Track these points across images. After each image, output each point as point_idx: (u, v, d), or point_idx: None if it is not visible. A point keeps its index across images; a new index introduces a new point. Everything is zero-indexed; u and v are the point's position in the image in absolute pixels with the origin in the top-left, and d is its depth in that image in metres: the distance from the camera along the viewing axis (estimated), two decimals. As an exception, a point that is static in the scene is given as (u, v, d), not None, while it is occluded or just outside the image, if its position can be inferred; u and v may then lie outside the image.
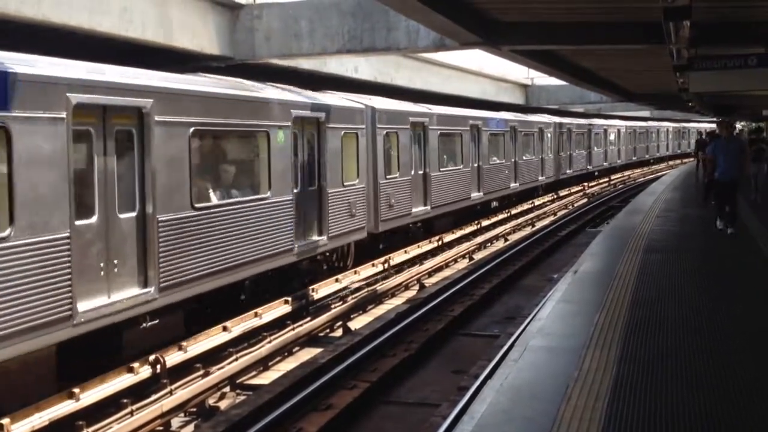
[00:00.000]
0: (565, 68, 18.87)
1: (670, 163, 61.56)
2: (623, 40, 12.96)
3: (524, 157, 30.03)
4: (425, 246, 19.63)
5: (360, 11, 14.49)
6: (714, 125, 68.01)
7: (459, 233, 22.29)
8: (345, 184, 15.47)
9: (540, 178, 32.51)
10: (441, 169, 21.20)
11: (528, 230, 24.46)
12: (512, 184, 28.37)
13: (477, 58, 26.99)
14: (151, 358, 9.57)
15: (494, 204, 27.88)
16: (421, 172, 19.95)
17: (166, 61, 13.56)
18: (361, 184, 16.27)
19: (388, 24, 14.43)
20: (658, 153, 61.77)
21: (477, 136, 24.54)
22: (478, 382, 8.77)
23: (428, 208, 20.15)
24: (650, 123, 57.97)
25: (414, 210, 19.27)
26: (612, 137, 46.91)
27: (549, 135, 34.04)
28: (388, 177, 17.84)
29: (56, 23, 10.94)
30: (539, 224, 25.84)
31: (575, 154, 38.34)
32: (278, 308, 12.64)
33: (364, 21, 14.50)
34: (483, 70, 29.44)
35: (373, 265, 16.54)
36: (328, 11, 14.57)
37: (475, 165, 24.34)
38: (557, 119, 35.73)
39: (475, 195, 24.34)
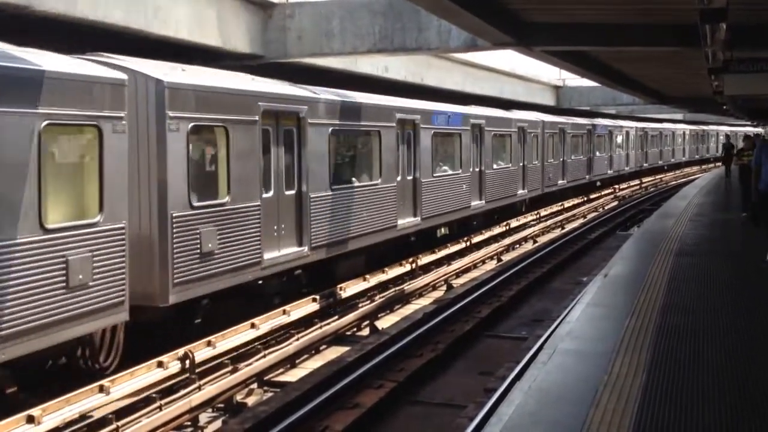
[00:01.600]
0: (597, 70, 18.73)
1: (686, 170, 56.44)
2: (657, 42, 12.84)
3: (498, 165, 23.43)
4: (454, 247, 19.58)
5: (391, 11, 14.51)
6: (730, 129, 66.30)
7: (487, 234, 22.21)
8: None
9: (520, 191, 25.41)
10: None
11: (557, 232, 24.29)
12: (474, 202, 21.47)
13: (508, 59, 26.93)
14: (180, 353, 9.66)
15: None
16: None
17: (199, 59, 13.68)
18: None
19: (420, 24, 14.42)
20: (673, 158, 54.97)
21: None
22: (505, 384, 8.74)
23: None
24: (665, 125, 52.41)
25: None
26: (619, 140, 40.69)
27: (536, 137, 27.13)
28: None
29: (92, 20, 11.09)
30: (569, 227, 25.66)
31: (570, 160, 31.80)
32: (306, 306, 12.70)
33: (395, 21, 14.52)
34: (515, 71, 29.32)
35: (401, 264, 16.54)
36: (359, 11, 14.60)
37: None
38: (547, 117, 29.27)
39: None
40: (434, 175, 18.81)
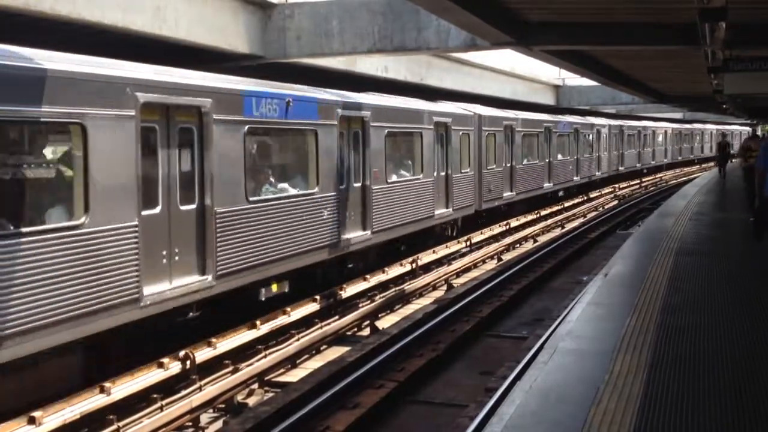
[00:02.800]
0: (596, 69, 18.73)
1: (666, 174, 50.21)
2: (657, 41, 12.84)
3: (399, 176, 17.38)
4: (453, 246, 19.58)
5: (390, 11, 14.51)
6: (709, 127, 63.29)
7: (488, 233, 22.20)
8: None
9: (437, 212, 18.55)
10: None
11: (557, 232, 24.29)
12: (352, 234, 14.99)
13: (508, 59, 26.91)
14: (181, 354, 9.65)
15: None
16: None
17: (199, 60, 13.68)
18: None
19: (419, 23, 14.43)
20: (653, 161, 48.34)
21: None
22: (506, 384, 8.74)
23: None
24: (644, 123, 46.68)
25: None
26: (589, 139, 34.16)
27: (467, 136, 20.71)
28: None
29: (90, 21, 11.08)
30: (569, 226, 25.66)
31: (522, 166, 25.36)
32: (306, 306, 12.68)
33: (394, 20, 14.53)
34: (515, 71, 29.32)
35: (401, 264, 16.54)
36: (359, 11, 14.60)
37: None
38: (486, 111, 22.77)
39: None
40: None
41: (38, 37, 10.43)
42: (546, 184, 28.33)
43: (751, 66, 13.25)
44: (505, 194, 23.85)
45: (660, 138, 50.48)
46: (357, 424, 8.32)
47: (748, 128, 68.12)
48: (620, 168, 40.78)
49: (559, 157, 30.08)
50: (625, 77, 22.06)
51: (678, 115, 52.12)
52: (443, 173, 19.23)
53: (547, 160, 28.27)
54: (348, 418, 8.34)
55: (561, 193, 31.19)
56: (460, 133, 20.28)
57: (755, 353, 6.86)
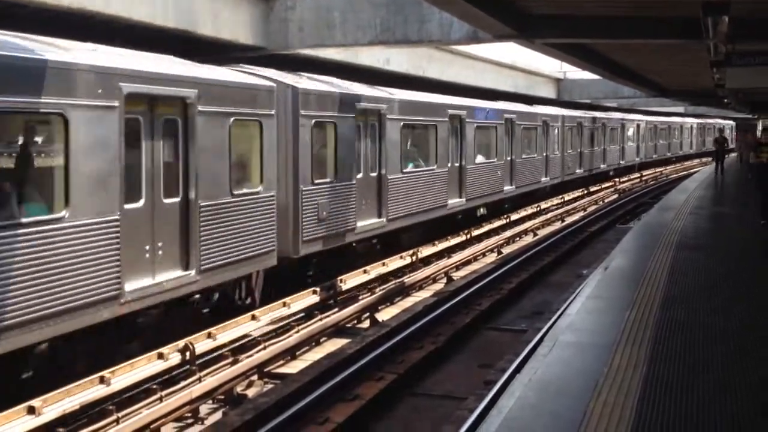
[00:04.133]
0: (598, 62, 18.70)
1: (643, 175, 43.80)
2: (659, 34, 12.80)
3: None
4: (454, 239, 19.59)
5: (393, 3, 14.48)
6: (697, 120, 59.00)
7: (488, 227, 22.20)
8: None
9: (360, 224, 15.05)
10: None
11: (557, 225, 24.29)
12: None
13: (510, 52, 26.88)
14: (181, 345, 9.66)
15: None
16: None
17: (201, 51, 13.66)
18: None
19: (421, 16, 14.40)
20: (622, 161, 40.93)
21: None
22: (505, 377, 8.75)
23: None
24: (611, 114, 39.29)
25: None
26: (555, 133, 28.78)
27: (387, 128, 16.37)
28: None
29: (92, 11, 11.05)
30: (569, 219, 25.66)
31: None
32: (306, 298, 12.70)
33: (396, 13, 14.49)
34: (516, 64, 29.27)
35: (401, 257, 16.54)
36: (361, 2, 14.57)
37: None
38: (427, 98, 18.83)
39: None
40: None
41: (41, 27, 10.39)
42: (509, 187, 24.29)
43: (753, 60, 13.22)
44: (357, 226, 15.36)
45: (631, 132, 42.49)
46: (356, 415, 8.34)
47: (731, 122, 64.89)
48: (577, 170, 32.14)
49: (524, 156, 25.53)
50: (627, 71, 22.03)
51: (680, 109, 51.61)
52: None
53: (508, 162, 24.15)
54: (347, 410, 8.36)
55: (506, 207, 24.42)
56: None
57: (754, 348, 6.87)
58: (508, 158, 24.38)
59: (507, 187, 24.24)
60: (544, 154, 28.06)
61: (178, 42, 13.28)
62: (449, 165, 19.55)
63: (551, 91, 34.63)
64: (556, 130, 29.69)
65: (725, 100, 29.21)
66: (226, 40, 13.93)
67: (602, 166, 37.28)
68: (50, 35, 9.08)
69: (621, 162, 40.96)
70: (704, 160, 55.90)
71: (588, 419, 5.14)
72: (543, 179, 28.30)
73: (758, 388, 5.81)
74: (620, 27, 12.65)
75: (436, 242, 18.60)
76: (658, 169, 48.09)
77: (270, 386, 9.52)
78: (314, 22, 14.67)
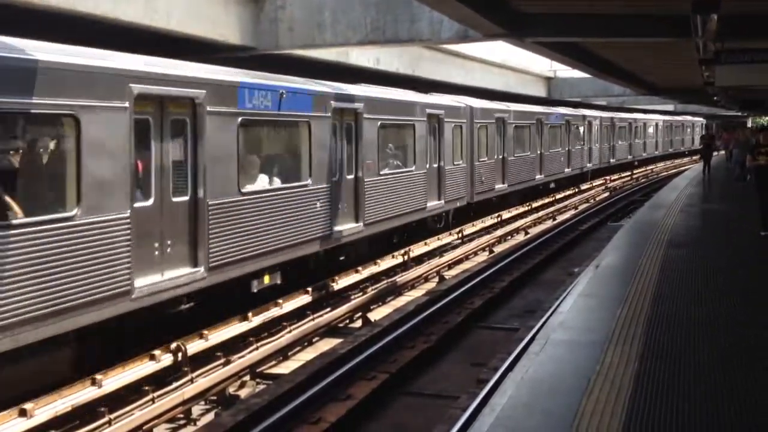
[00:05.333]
0: (588, 61, 18.75)
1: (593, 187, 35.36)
2: (649, 33, 12.85)
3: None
4: (445, 238, 19.60)
5: (383, 2, 14.49)
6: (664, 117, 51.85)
7: (479, 225, 22.22)
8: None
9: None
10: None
11: (549, 224, 24.34)
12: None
13: (500, 51, 26.91)
14: (173, 346, 9.64)
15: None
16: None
17: (190, 51, 13.62)
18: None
19: (412, 15, 14.40)
20: (567, 168, 31.50)
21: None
22: (497, 375, 8.75)
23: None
24: (557, 109, 31.41)
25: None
26: (484, 135, 22.20)
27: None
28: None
29: (82, 12, 11.02)
30: (560, 218, 25.71)
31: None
32: (299, 298, 12.68)
33: (386, 12, 14.49)
34: (507, 63, 29.32)
35: (393, 256, 16.54)
36: (351, 2, 14.57)
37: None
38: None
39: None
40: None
41: (28, 27, 10.35)
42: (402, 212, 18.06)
43: (741, 58, 13.28)
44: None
45: (582, 130, 33.84)
46: (349, 415, 8.34)
47: (701, 119, 61.76)
48: (504, 184, 24.06)
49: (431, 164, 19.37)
50: (617, 69, 22.09)
51: (669, 107, 51.61)
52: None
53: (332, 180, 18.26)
54: (340, 410, 8.35)
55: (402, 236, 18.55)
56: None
57: (745, 344, 6.90)
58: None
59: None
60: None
61: (168, 42, 13.25)
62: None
63: (541, 90, 34.71)
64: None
65: (715, 98, 29.33)
66: (215, 41, 13.90)
67: (538, 176, 27.89)
68: (40, 37, 9.04)
69: (566, 170, 31.70)
70: (671, 163, 51.63)
71: (580, 416, 5.16)
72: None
73: (749, 384, 5.83)
74: (610, 25, 12.69)
75: (427, 241, 18.61)
76: (614, 180, 39.32)
77: (262, 387, 9.50)
78: (304, 21, 14.65)
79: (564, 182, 32.33)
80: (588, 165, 35.35)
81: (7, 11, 10.45)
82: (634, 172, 44.66)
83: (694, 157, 50.77)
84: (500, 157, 23.96)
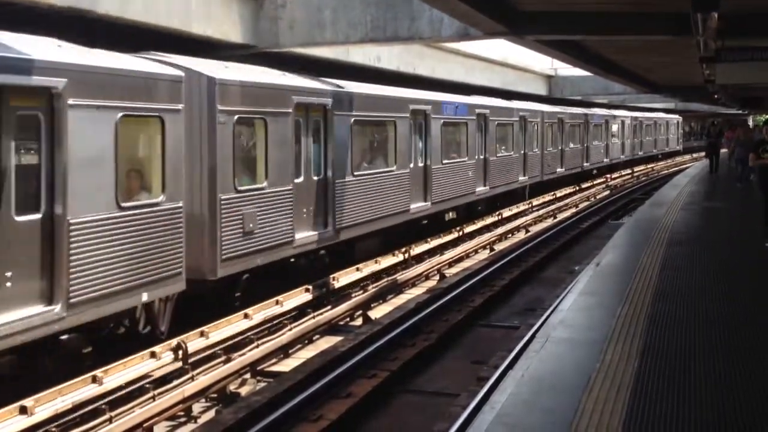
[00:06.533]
0: (589, 59, 18.74)
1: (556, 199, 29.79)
2: (649, 31, 12.85)
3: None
4: (446, 236, 19.60)
5: (383, 0, 14.48)
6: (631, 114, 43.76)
7: (480, 224, 22.22)
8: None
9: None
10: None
11: (549, 222, 24.34)
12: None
13: (501, 49, 26.89)
14: (174, 343, 9.65)
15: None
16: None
17: (191, 49, 13.61)
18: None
19: (412, 13, 14.40)
20: (523, 176, 26.42)
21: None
22: (498, 373, 8.76)
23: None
24: (498, 102, 24.79)
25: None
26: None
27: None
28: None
29: (83, 10, 11.02)
30: (561, 216, 25.71)
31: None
32: (299, 296, 12.69)
33: (387, 10, 14.49)
34: (507, 61, 29.31)
35: (393, 254, 16.55)
36: (352, 0, 14.55)
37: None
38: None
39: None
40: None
41: (30, 25, 10.34)
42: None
43: (742, 56, 13.27)
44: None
45: (529, 129, 27.09)
46: (349, 413, 8.34)
47: (676, 117, 56.16)
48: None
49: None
50: (618, 67, 22.09)
51: (671, 105, 51.32)
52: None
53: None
54: (340, 408, 8.36)
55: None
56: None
57: (745, 342, 6.90)
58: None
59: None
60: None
61: (169, 40, 13.25)
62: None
63: (542, 88, 34.69)
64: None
65: (715, 96, 29.31)
66: (216, 39, 13.90)
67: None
68: (49, 33, 9.04)
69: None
70: (639, 169, 44.22)
71: (580, 414, 5.16)
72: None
73: (750, 382, 5.84)
74: (610, 23, 12.69)
75: (429, 239, 18.61)
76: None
77: (263, 384, 9.51)
78: (305, 20, 14.65)
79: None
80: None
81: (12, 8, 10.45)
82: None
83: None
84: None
